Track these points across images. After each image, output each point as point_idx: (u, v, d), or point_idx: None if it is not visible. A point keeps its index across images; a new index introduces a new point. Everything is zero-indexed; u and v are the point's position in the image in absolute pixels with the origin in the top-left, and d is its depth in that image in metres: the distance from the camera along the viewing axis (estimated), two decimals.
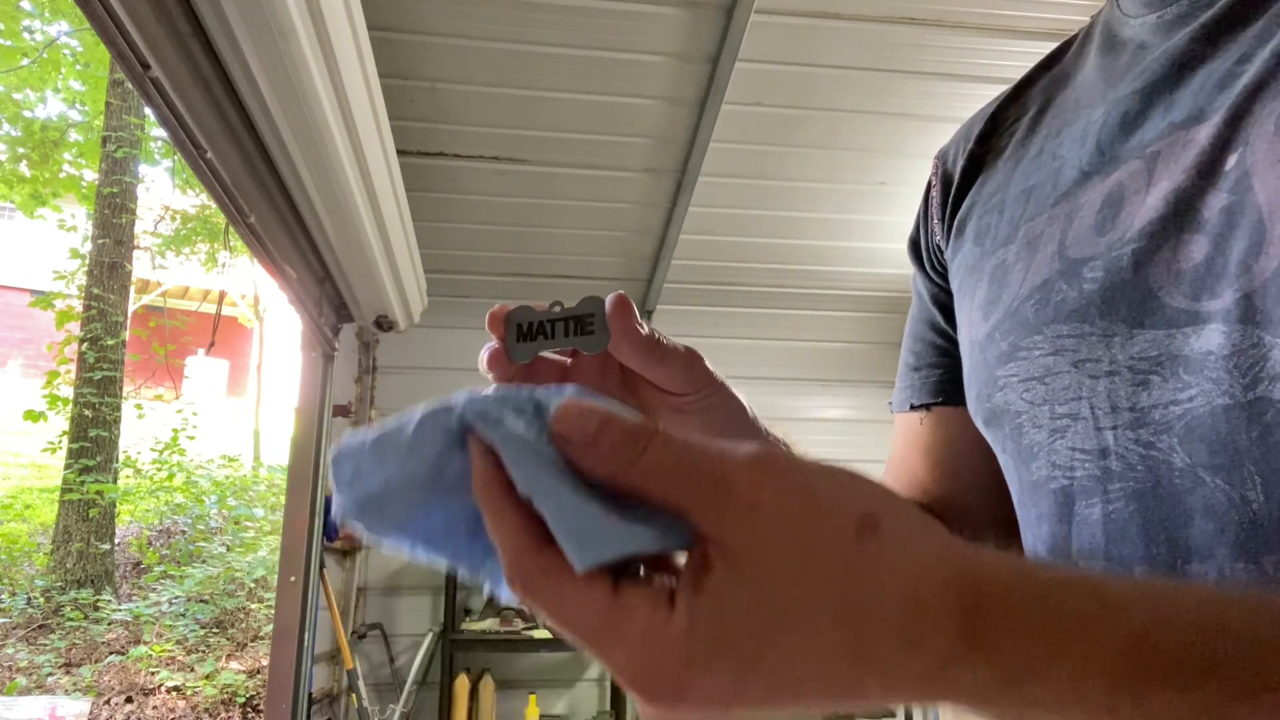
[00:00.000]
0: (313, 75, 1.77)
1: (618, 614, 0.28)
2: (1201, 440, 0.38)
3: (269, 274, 2.52)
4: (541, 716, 3.49)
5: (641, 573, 0.32)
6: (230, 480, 8.89)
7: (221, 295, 9.54)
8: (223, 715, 5.70)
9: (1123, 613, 0.27)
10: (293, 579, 2.79)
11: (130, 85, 2.83)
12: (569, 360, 0.48)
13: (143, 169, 8.14)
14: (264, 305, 10.78)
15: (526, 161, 3.14)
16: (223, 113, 1.90)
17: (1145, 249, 0.41)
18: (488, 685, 3.47)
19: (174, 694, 5.75)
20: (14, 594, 6.69)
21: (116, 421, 7.29)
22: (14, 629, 6.28)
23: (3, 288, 12.45)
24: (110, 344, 7.20)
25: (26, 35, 7.70)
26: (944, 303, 0.62)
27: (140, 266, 8.68)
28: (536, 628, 3.41)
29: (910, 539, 0.28)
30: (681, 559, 0.30)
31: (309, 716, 2.82)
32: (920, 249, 0.65)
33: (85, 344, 7.16)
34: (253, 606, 6.97)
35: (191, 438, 8.66)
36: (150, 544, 7.86)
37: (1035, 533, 0.48)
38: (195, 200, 9.20)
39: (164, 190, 9.40)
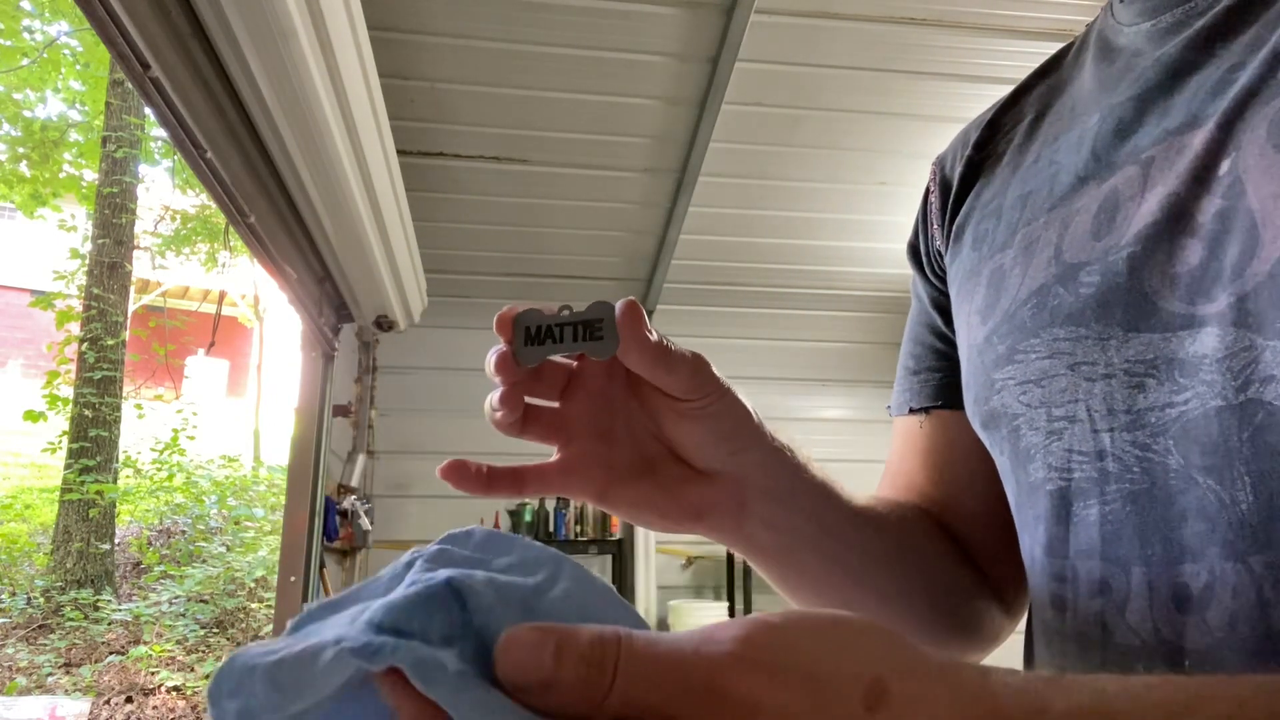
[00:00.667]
0: (313, 75, 1.78)
1: None
2: (1195, 442, 0.38)
3: (269, 274, 2.53)
4: None
5: None
6: (230, 480, 8.90)
7: (221, 295, 9.54)
8: None
9: None
10: (293, 579, 2.80)
11: (130, 85, 2.84)
12: (575, 364, 0.49)
13: (143, 169, 8.15)
14: (264, 305, 10.77)
15: (526, 161, 3.14)
16: (223, 113, 1.90)
17: (1141, 253, 0.42)
18: None
19: (174, 694, 5.75)
20: (14, 594, 6.70)
21: (116, 421, 7.29)
22: (14, 629, 6.28)
23: (3, 288, 12.44)
24: (110, 344, 7.20)
25: (26, 35, 7.71)
26: (944, 306, 0.62)
27: (140, 266, 8.69)
28: None
29: (921, 699, 0.27)
30: None
31: None
32: (920, 253, 0.65)
33: (85, 344, 7.16)
34: (253, 606, 6.98)
35: (191, 438, 8.67)
36: (150, 544, 7.86)
37: (1032, 534, 0.49)
38: (195, 200, 9.20)
39: (164, 190, 9.40)
